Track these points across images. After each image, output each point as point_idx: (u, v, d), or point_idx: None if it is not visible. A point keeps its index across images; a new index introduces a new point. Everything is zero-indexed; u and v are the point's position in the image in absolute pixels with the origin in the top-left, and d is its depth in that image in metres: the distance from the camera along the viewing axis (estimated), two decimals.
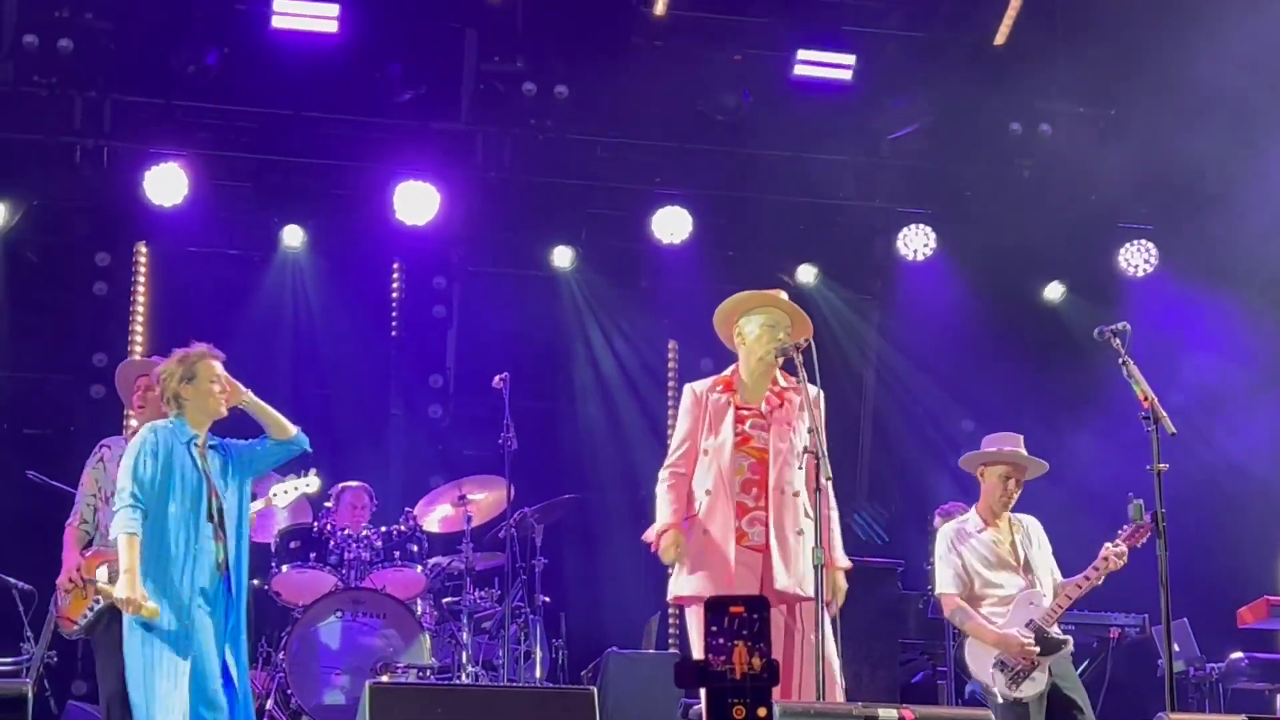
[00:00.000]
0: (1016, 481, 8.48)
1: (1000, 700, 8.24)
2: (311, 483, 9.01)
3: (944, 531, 8.62)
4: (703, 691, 3.80)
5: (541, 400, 12.75)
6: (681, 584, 7.33)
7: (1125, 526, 8.13)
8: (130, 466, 7.37)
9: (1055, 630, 8.28)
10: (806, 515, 7.27)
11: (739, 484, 7.34)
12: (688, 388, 7.61)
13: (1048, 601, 8.28)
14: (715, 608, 3.78)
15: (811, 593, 7.08)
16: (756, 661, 3.73)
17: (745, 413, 7.44)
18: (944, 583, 8.51)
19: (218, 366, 7.61)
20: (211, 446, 7.55)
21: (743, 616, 3.77)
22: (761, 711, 3.73)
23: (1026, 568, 8.40)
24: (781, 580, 7.14)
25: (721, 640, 3.76)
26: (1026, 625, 8.23)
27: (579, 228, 12.79)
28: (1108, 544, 8.22)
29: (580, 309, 13.05)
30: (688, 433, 7.48)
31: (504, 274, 13.03)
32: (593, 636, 11.64)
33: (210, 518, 7.41)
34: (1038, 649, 8.20)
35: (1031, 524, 8.60)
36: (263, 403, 7.65)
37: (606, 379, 13.11)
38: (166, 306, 12.23)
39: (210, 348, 7.66)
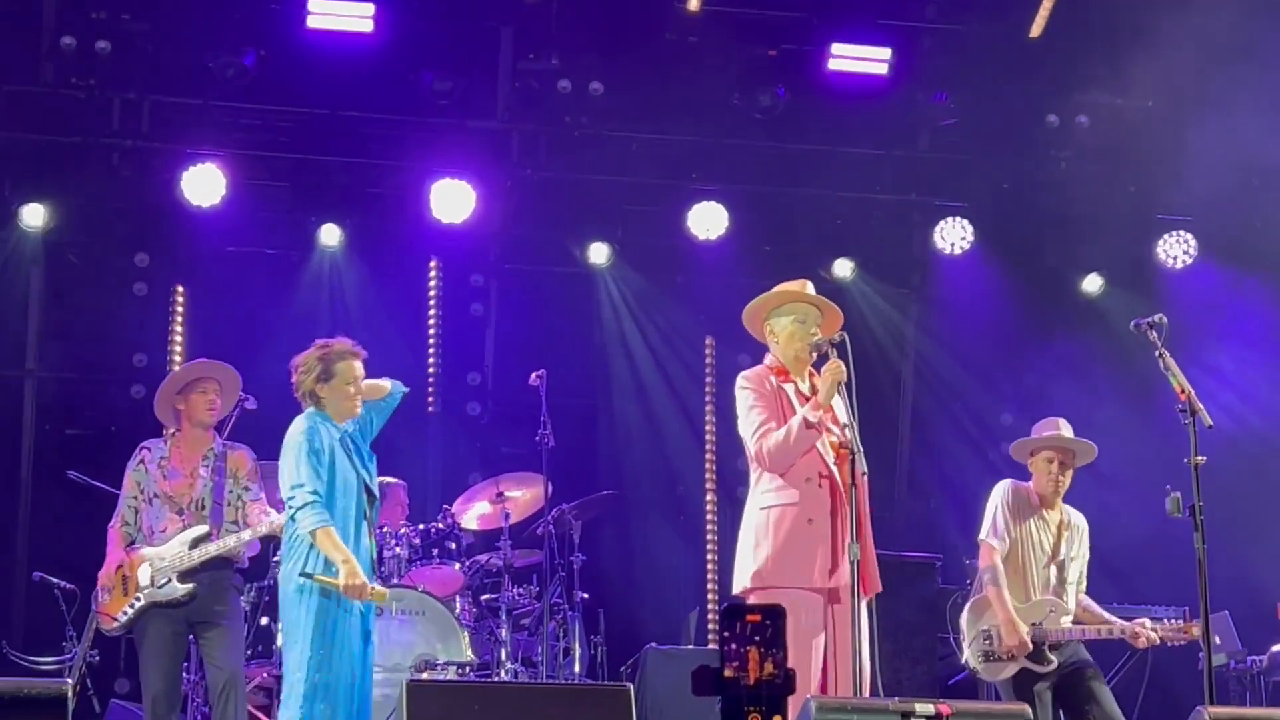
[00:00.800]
0: (1062, 465, 8.47)
1: (962, 661, 8.30)
2: None
3: (1007, 485, 8.56)
4: (696, 696, 3.79)
5: (579, 397, 12.73)
6: (780, 572, 7.15)
7: (1177, 621, 8.22)
8: (299, 461, 7.30)
9: (1050, 649, 8.28)
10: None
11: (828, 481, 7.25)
12: (749, 375, 7.44)
13: (1066, 620, 8.27)
14: (731, 614, 3.77)
15: (878, 587, 7.15)
16: (770, 667, 3.72)
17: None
18: (993, 531, 8.45)
19: (358, 366, 7.58)
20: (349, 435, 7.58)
21: (757, 623, 3.75)
22: (777, 719, 3.72)
23: (1060, 567, 8.38)
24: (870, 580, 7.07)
25: (735, 646, 3.75)
26: (1032, 624, 8.23)
27: (615, 224, 12.79)
28: (1148, 623, 8.27)
29: (617, 305, 13.04)
30: (769, 416, 7.27)
31: (541, 271, 13.04)
32: (632, 632, 11.65)
33: (365, 516, 7.47)
34: (1028, 651, 8.21)
35: (1080, 523, 8.59)
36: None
37: (643, 375, 13.09)
38: (205, 307, 12.28)
39: (353, 345, 7.64)
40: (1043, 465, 8.51)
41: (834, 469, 7.23)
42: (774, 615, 3.76)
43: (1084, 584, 8.53)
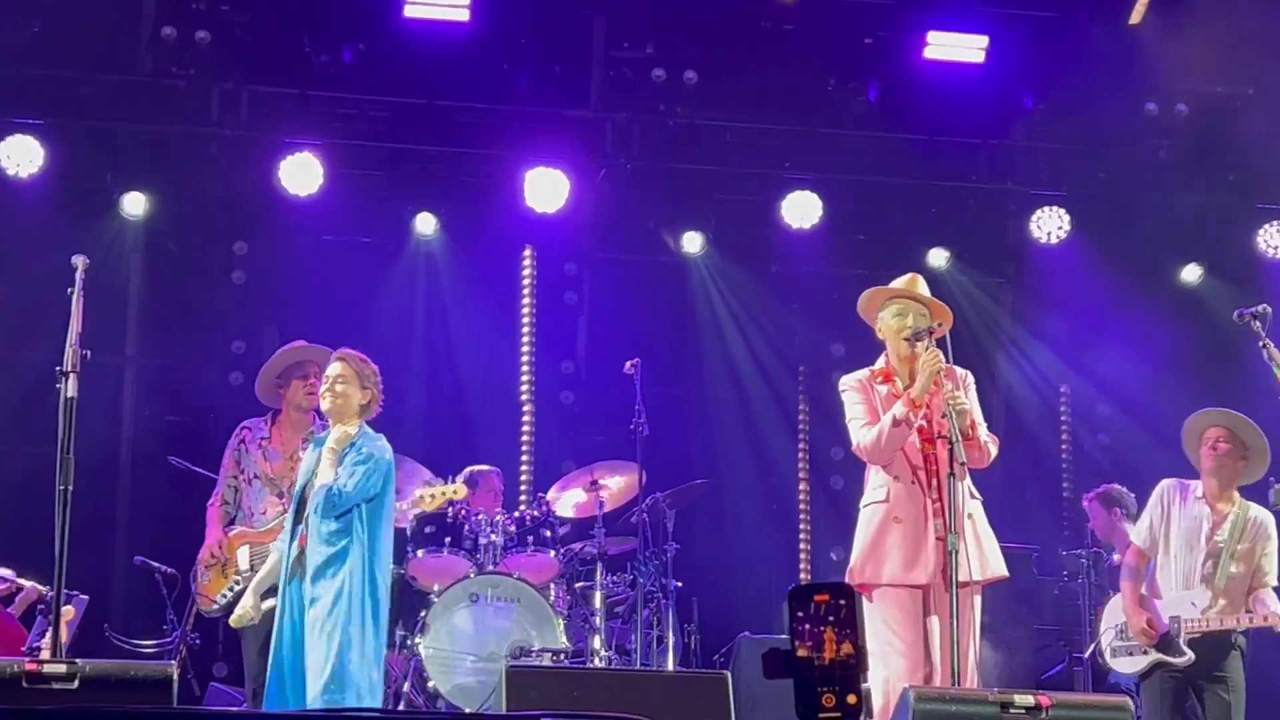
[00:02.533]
0: (1218, 441, 8.30)
1: (1087, 655, 8.25)
2: (459, 490, 8.95)
3: (1165, 482, 8.47)
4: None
5: (672, 386, 12.72)
6: (869, 570, 7.23)
7: None
8: None
9: (1185, 640, 8.17)
10: (973, 496, 7.31)
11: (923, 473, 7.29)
12: (849, 378, 7.54)
13: (1211, 613, 8.11)
14: (801, 595, 3.77)
15: (979, 575, 7.13)
16: (846, 648, 3.72)
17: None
18: (1137, 532, 8.46)
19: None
20: (353, 444, 7.67)
21: (829, 603, 3.75)
22: (851, 699, 3.72)
23: (1212, 557, 8.21)
24: (964, 569, 7.02)
25: (808, 626, 3.75)
26: (1172, 618, 8.14)
27: (709, 213, 12.78)
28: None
29: (710, 295, 13.03)
30: (868, 413, 7.36)
31: (634, 260, 13.04)
32: (725, 621, 11.64)
33: (296, 516, 7.67)
34: (1154, 639, 8.12)
35: (1260, 518, 8.33)
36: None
37: (737, 364, 13.08)
38: (302, 295, 12.38)
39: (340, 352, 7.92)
40: (1205, 450, 8.37)
41: (919, 466, 7.26)
42: (844, 594, 3.75)
43: (1272, 576, 8.27)
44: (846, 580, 7.35)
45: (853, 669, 3.75)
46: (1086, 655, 8.61)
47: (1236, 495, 8.41)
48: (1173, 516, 8.34)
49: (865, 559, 7.27)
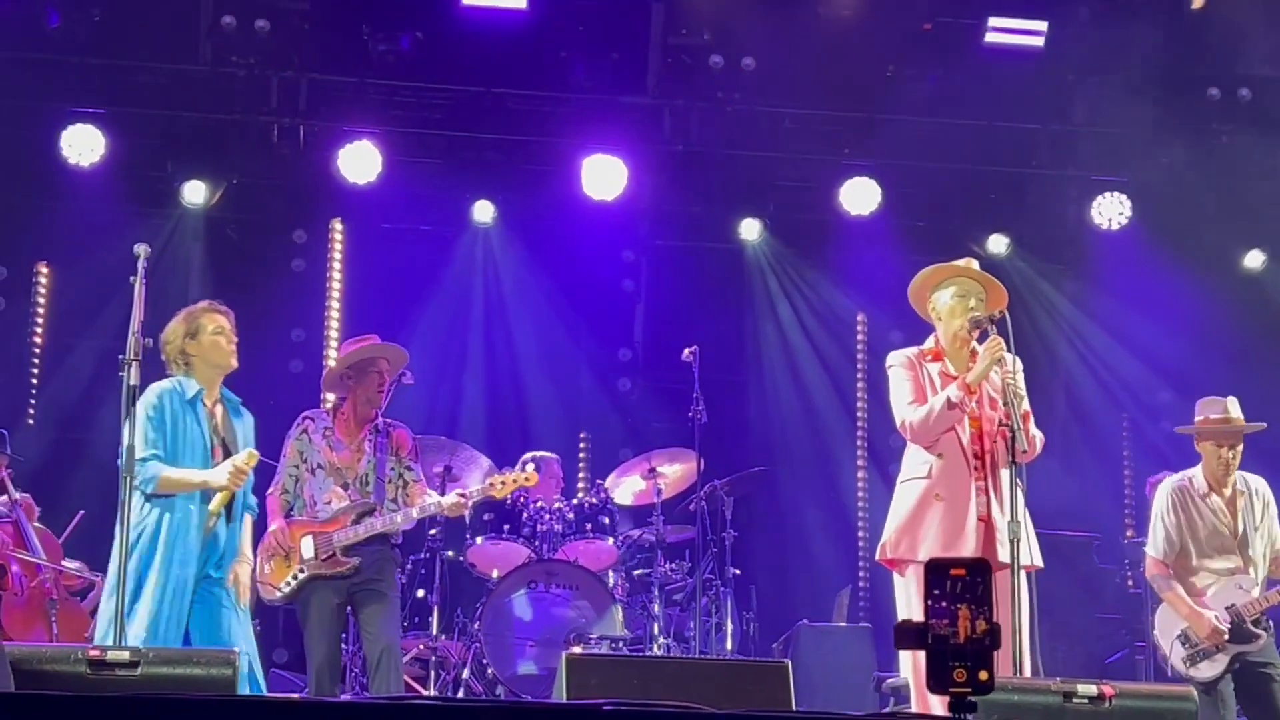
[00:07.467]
0: (1231, 447, 8.30)
1: (1170, 674, 8.16)
2: (531, 477, 8.89)
3: (1165, 487, 8.44)
4: (922, 654, 3.77)
5: (730, 373, 12.74)
6: (905, 546, 7.21)
7: None
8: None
9: (1253, 623, 8.11)
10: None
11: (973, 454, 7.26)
12: (898, 354, 7.51)
13: (1257, 591, 8.10)
14: (936, 570, 3.74)
15: (1028, 563, 7.08)
16: (981, 625, 3.70)
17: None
18: (1154, 543, 8.38)
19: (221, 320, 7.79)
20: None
21: (965, 580, 3.73)
22: (983, 675, 3.71)
23: (1243, 544, 8.21)
24: (1004, 553, 6.99)
25: (945, 604, 3.73)
26: (1227, 608, 8.07)
27: (766, 200, 12.75)
28: None
29: (768, 282, 13.03)
30: (915, 391, 7.34)
31: (692, 247, 13.04)
32: (783, 609, 11.64)
33: None
34: (1227, 635, 8.05)
35: (1259, 486, 8.40)
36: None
37: (795, 352, 13.07)
38: (361, 282, 12.43)
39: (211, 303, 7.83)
40: (1210, 449, 8.34)
41: (967, 446, 7.22)
42: (980, 571, 3.72)
43: None
44: (879, 556, 7.38)
45: (987, 647, 3.75)
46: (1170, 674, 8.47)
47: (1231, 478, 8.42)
48: (1190, 518, 8.29)
49: (901, 534, 7.24)
